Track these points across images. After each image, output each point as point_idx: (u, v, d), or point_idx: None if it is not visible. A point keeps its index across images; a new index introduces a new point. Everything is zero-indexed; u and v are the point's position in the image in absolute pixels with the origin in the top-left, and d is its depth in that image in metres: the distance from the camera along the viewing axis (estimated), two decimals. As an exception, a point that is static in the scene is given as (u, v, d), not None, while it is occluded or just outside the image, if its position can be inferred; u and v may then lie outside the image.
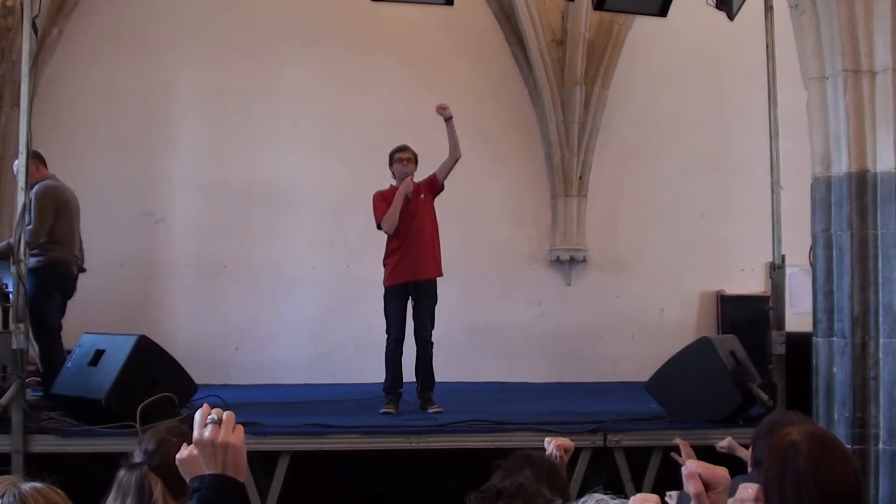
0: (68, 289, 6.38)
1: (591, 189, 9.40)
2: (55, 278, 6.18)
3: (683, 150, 9.52)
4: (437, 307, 6.65)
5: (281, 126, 9.10)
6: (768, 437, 2.85)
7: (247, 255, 8.97)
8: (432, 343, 6.57)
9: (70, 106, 8.76)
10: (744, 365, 6.15)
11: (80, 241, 6.57)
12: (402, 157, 6.59)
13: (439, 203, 6.79)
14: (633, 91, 9.45)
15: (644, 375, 6.46)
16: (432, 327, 6.58)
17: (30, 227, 5.80)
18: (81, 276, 6.51)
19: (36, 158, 6.14)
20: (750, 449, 3.52)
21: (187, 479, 1.89)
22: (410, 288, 6.51)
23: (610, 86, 9.33)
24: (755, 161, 7.58)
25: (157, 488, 2.40)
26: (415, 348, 6.53)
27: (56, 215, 6.16)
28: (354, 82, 9.15)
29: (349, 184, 9.07)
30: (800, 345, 5.59)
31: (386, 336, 6.52)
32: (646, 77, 9.49)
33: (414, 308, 6.56)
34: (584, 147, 9.29)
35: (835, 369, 4.86)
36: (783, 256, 6.07)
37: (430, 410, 6.39)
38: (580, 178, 9.33)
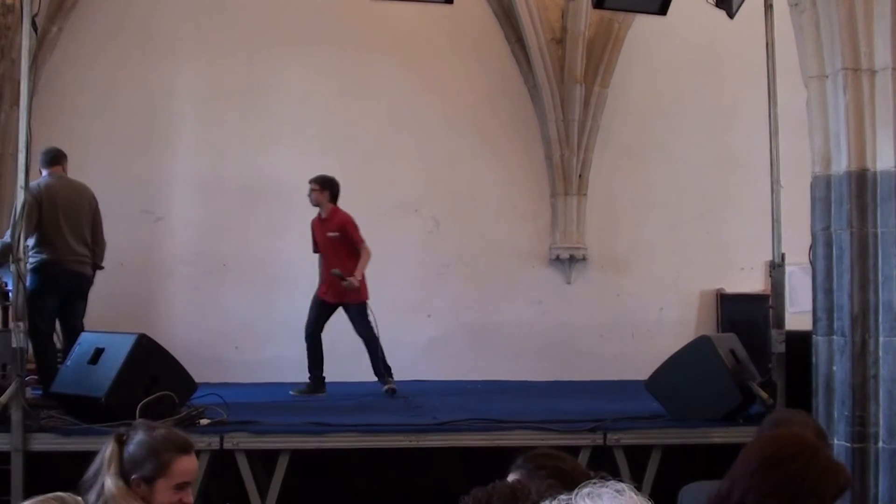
0: (68, 288, 6.36)
1: (591, 187, 9.39)
2: (47, 280, 6.13)
3: (683, 149, 9.50)
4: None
5: (281, 124, 9.09)
6: None
7: (247, 254, 8.96)
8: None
9: (69, 104, 8.74)
10: (743, 363, 6.15)
11: (91, 238, 6.52)
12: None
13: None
14: (632, 90, 9.44)
15: (644, 374, 6.45)
16: None
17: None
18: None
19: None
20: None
21: None
22: None
23: (610, 84, 9.31)
24: (755, 159, 7.58)
25: (110, 449, 2.49)
26: (381, 351, 7.62)
27: (40, 217, 6.08)
28: (354, 81, 9.14)
29: (348, 183, 9.04)
30: (799, 343, 5.59)
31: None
32: (646, 75, 9.47)
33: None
34: (583, 145, 9.27)
35: (834, 368, 4.86)
36: (783, 255, 6.06)
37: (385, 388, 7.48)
38: (580, 176, 9.32)
